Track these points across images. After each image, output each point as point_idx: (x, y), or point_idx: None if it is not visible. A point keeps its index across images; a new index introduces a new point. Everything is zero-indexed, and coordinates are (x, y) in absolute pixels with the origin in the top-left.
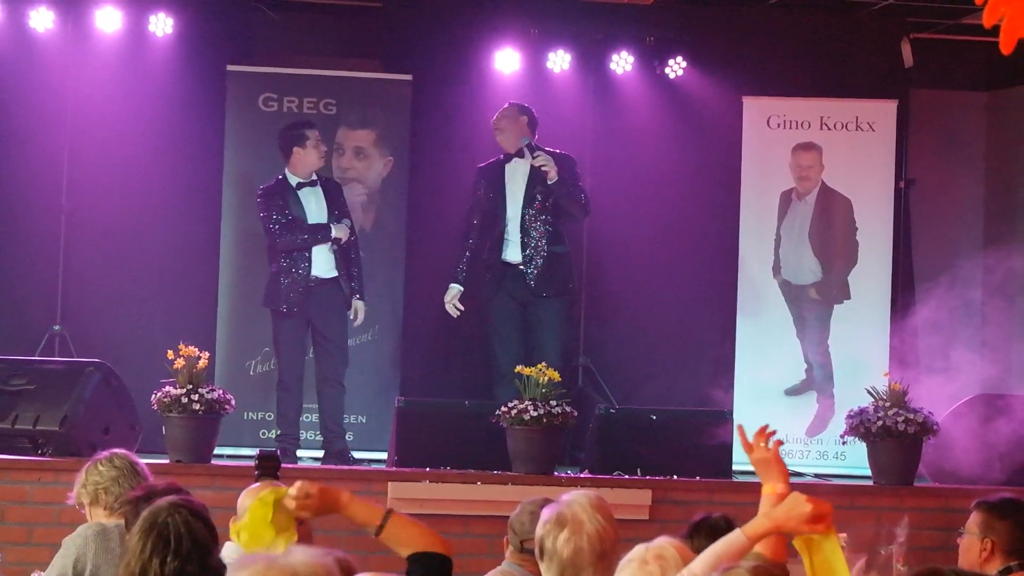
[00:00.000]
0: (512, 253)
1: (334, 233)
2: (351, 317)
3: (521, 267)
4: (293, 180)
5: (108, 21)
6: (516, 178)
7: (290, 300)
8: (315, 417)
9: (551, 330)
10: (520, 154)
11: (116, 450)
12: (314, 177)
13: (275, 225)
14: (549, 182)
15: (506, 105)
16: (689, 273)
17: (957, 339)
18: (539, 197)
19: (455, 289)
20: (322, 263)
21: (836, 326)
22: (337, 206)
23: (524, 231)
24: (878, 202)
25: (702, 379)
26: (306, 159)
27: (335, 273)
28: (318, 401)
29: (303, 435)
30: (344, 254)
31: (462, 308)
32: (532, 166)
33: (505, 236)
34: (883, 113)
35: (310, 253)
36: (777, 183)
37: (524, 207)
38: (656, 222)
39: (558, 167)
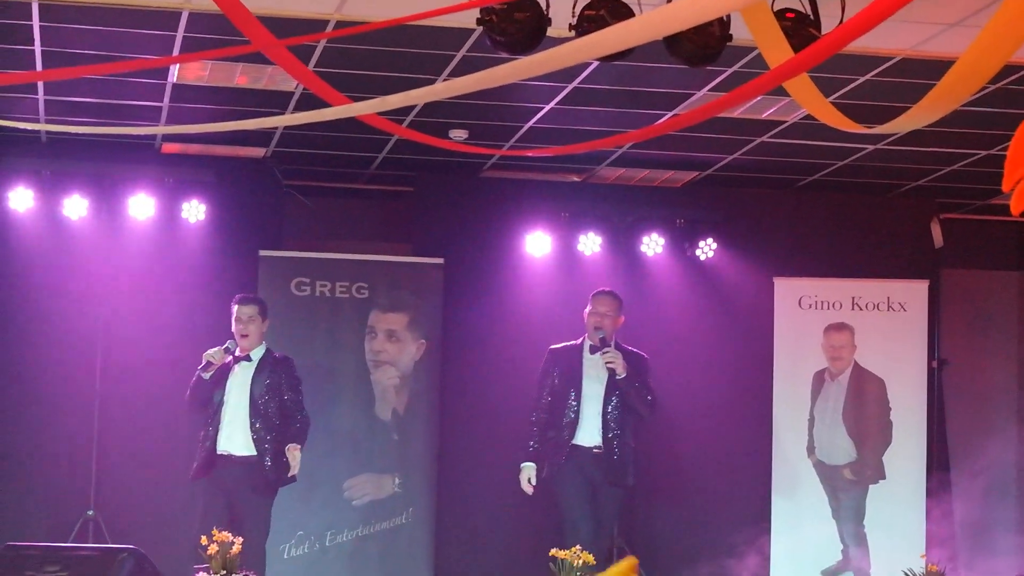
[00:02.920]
0: (587, 437)
1: (201, 371)
2: (288, 468)
3: (598, 451)
4: (235, 349)
5: (141, 208)
6: (600, 367)
7: (197, 471)
8: None
9: (612, 519)
10: (603, 346)
11: None
12: (249, 355)
13: None
14: (618, 377)
15: (610, 291)
16: (723, 453)
17: (994, 519)
18: (619, 389)
19: (530, 467)
20: (234, 439)
21: (872, 506)
22: (270, 387)
23: (605, 420)
24: (911, 382)
25: (739, 560)
26: (235, 332)
27: (252, 452)
28: None
29: None
30: (267, 424)
31: (535, 485)
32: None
33: (579, 421)
34: (914, 293)
35: (217, 428)
36: (810, 363)
37: (607, 396)
38: (689, 403)
39: (629, 364)
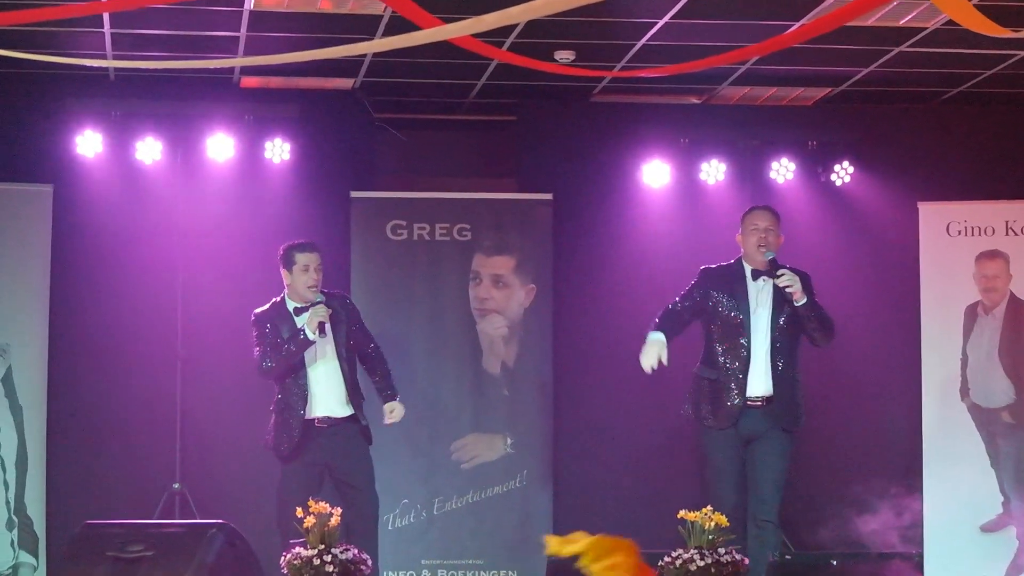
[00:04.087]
0: (758, 386)
1: (311, 335)
2: (386, 418)
3: (760, 404)
4: (290, 305)
5: (220, 149)
6: (764, 298)
7: (290, 443)
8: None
9: (777, 467)
10: (769, 272)
11: None
12: (317, 299)
13: (259, 348)
14: (796, 303)
15: (766, 205)
16: (868, 398)
17: None
18: (785, 322)
19: (659, 342)
20: (331, 400)
21: None
22: (346, 331)
23: (774, 361)
24: None
25: (887, 517)
26: (294, 284)
27: (349, 410)
28: None
29: None
30: (354, 376)
31: (664, 364)
32: (776, 285)
33: (749, 367)
34: None
35: (307, 391)
36: (961, 296)
37: (774, 330)
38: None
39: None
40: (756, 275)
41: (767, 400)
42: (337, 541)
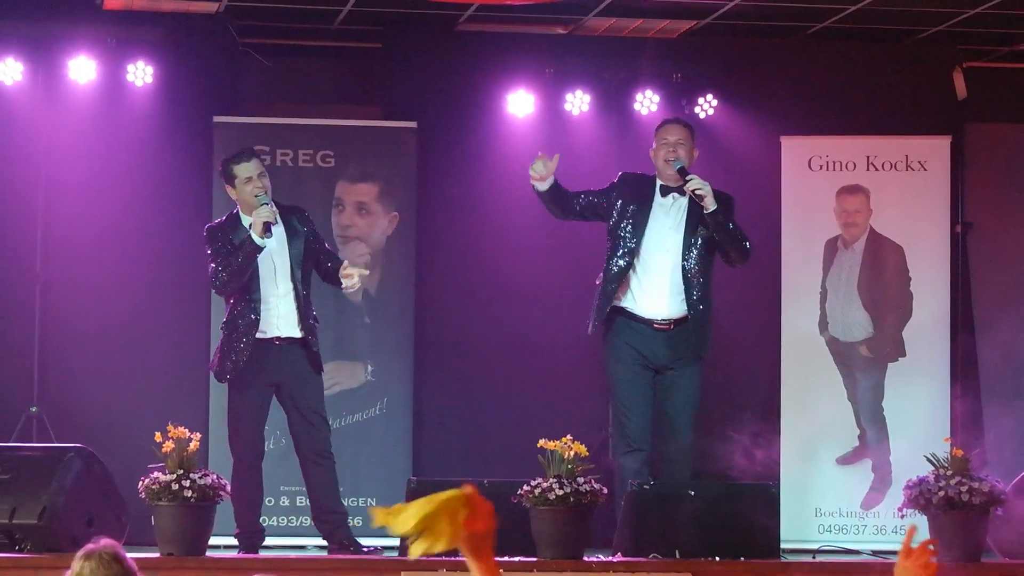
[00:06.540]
0: (663, 309)
1: (257, 239)
2: (347, 284)
3: (669, 327)
4: (245, 220)
5: (82, 71)
6: (674, 219)
7: (236, 365)
8: (306, 500)
9: (689, 398)
10: (680, 189)
11: (103, 541)
12: (263, 202)
13: (213, 263)
14: (705, 211)
15: (677, 118)
16: (726, 331)
17: None
18: (700, 240)
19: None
20: (283, 320)
21: (891, 387)
22: (304, 246)
23: (687, 282)
24: (933, 248)
25: (744, 448)
26: (242, 197)
27: (300, 333)
28: (306, 482)
29: (297, 521)
30: (308, 298)
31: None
32: (690, 202)
33: (629, 283)
34: (936, 151)
35: (258, 308)
36: (821, 230)
37: (685, 250)
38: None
39: (717, 203)
40: (665, 191)
41: (674, 324)
42: (196, 466)
